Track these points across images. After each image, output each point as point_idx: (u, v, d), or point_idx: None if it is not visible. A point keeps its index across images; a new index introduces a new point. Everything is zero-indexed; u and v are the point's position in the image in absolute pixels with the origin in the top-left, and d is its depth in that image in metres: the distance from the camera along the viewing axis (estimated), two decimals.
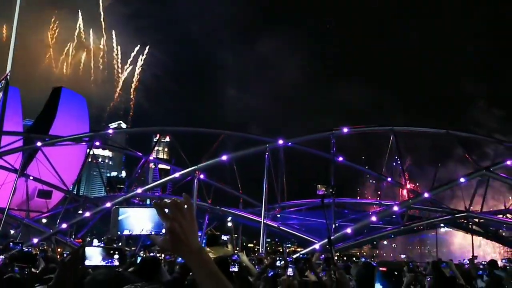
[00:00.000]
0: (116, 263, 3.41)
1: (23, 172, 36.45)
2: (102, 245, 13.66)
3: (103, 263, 3.35)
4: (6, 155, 35.40)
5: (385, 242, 62.98)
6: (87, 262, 3.35)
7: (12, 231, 36.84)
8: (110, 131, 45.41)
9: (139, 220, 1.93)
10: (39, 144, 36.49)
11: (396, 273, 3.98)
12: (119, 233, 1.93)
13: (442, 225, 36.69)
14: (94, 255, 3.40)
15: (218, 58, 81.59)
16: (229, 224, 38.77)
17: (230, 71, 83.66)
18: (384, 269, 3.84)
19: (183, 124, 65.73)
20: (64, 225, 33.00)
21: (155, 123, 76.25)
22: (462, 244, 41.05)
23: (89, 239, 30.61)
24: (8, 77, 41.00)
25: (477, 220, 35.07)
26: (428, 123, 63.03)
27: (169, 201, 1.73)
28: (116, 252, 3.44)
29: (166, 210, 1.71)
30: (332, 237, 25.47)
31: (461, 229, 40.17)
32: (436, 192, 33.43)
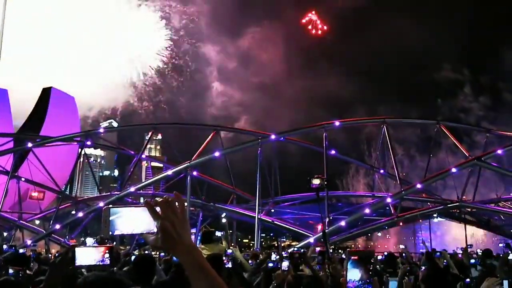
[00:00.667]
0: (107, 261, 3.39)
1: (14, 174, 36.15)
2: (95, 245, 13.57)
3: (94, 263, 3.33)
4: None
5: (379, 234, 63.32)
6: (78, 262, 3.33)
7: (5, 233, 36.61)
8: (102, 130, 45.17)
9: (130, 220, 1.93)
10: (30, 145, 36.18)
11: (372, 260, 4.07)
12: (110, 233, 1.93)
13: (435, 215, 36.93)
14: (84, 255, 3.38)
15: (201, 51, 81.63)
16: (223, 220, 38.78)
17: (213, 65, 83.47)
18: (355, 257, 3.92)
19: (172, 121, 65.38)
20: (57, 226, 32.83)
21: (144, 121, 75.89)
22: (456, 234, 41.41)
23: (83, 239, 30.47)
24: None
25: (469, 209, 35.37)
26: (417, 113, 63.53)
27: (161, 200, 1.74)
28: (107, 251, 3.42)
29: (158, 209, 1.72)
30: (326, 230, 25.57)
31: (454, 219, 40.50)
32: (429, 183, 33.71)
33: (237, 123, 74.62)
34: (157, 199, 1.73)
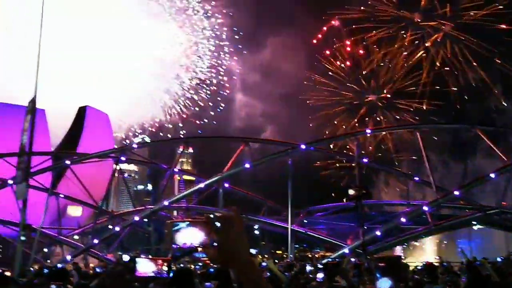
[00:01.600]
0: (165, 274, 3.50)
1: (53, 191, 37.34)
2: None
3: (153, 274, 3.45)
4: (36, 175, 36.26)
5: (416, 243, 61.72)
6: (138, 273, 3.44)
7: (45, 249, 37.70)
8: (135, 145, 46.16)
9: (189, 234, 2.01)
10: (67, 162, 37.34)
11: (398, 267, 3.96)
12: (174, 246, 2.01)
13: (474, 222, 35.67)
14: (144, 266, 3.50)
15: (223, 63, 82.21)
16: (256, 232, 38.73)
17: (235, 76, 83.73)
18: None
19: (199, 134, 66.03)
20: (95, 241, 33.59)
21: (172, 135, 77.15)
22: (497, 241, 39.87)
23: (120, 253, 31.07)
24: (34, 99, 42.08)
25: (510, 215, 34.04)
26: (446, 117, 61.78)
27: (220, 214, 1.80)
28: (165, 264, 3.53)
29: (217, 224, 1.76)
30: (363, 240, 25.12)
31: (494, 226, 39.02)
32: (466, 189, 32.70)
33: (264, 133, 74.53)
34: (217, 213, 1.80)
